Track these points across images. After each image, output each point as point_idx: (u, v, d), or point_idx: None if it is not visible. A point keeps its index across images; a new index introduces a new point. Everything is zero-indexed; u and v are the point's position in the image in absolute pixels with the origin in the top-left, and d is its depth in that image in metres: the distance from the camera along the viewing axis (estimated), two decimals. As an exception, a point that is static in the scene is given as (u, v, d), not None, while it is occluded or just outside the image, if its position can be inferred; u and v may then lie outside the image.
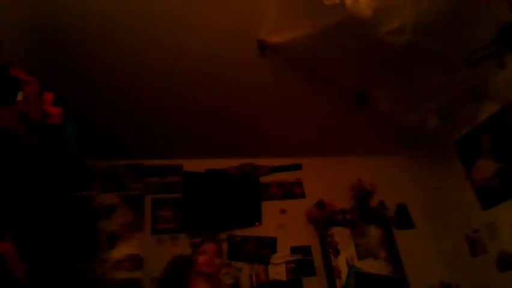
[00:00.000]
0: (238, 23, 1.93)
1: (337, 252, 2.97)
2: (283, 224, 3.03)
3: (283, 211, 3.10)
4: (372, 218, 3.13)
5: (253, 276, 2.79)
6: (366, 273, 2.87)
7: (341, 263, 2.94)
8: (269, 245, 2.94)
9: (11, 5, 1.70)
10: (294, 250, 2.94)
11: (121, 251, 2.79)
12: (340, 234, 3.04)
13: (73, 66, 2.08)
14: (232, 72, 2.26)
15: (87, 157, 2.75)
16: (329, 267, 2.90)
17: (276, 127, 2.86)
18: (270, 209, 3.09)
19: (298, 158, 3.31)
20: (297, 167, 3.32)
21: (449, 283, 2.82)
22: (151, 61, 2.12)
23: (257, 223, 3.03)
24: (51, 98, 1.67)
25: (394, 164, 3.39)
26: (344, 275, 2.87)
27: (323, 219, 3.04)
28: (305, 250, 2.95)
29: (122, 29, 1.90)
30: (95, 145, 2.65)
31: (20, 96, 1.49)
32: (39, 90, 1.60)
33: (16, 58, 1.66)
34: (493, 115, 2.44)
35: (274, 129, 2.88)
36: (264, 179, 3.22)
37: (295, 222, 3.05)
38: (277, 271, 2.83)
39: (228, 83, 2.35)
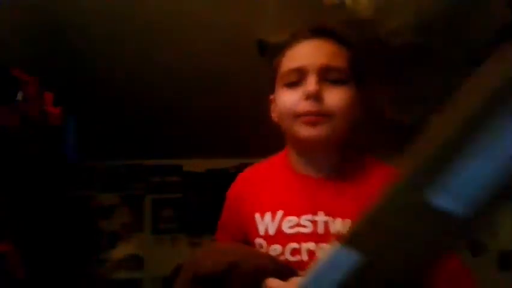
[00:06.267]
0: (238, 22, 1.93)
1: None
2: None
3: (283, 211, 3.09)
4: (372, 218, 3.13)
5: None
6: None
7: (341, 263, 2.93)
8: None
9: (11, 4, 1.70)
10: (294, 250, 2.94)
11: (121, 251, 2.79)
12: (340, 234, 3.04)
13: (73, 66, 2.08)
14: (232, 71, 2.26)
15: (87, 157, 2.75)
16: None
17: (277, 127, 2.85)
18: (270, 209, 3.09)
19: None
20: (297, 167, 3.32)
21: (449, 283, 2.82)
22: (151, 62, 2.12)
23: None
24: (51, 98, 1.67)
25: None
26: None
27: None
28: (305, 250, 2.95)
29: (123, 28, 1.90)
30: (96, 145, 2.65)
31: (20, 96, 1.49)
32: (39, 90, 1.60)
33: (16, 58, 1.66)
34: (493, 115, 2.43)
35: (274, 129, 2.87)
36: (264, 179, 3.21)
37: (295, 222, 3.04)
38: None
39: (228, 82, 2.35)
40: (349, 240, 0.44)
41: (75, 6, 1.76)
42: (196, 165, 3.11)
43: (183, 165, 3.17)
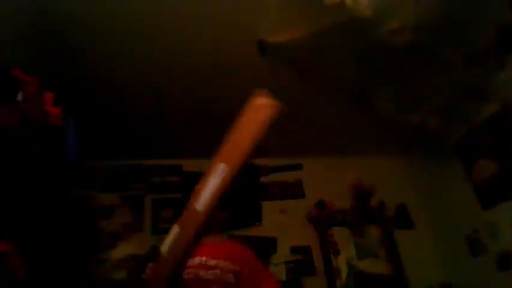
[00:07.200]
0: (238, 22, 1.93)
1: (337, 252, 2.97)
2: (283, 224, 3.03)
3: (283, 211, 3.10)
4: (372, 218, 3.13)
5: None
6: (366, 273, 2.87)
7: (340, 263, 2.93)
8: (269, 245, 2.94)
9: (11, 4, 1.70)
10: (293, 250, 2.94)
11: (121, 251, 2.79)
12: (340, 234, 3.04)
13: (74, 66, 2.08)
14: (232, 72, 2.27)
15: (87, 157, 2.75)
16: (329, 267, 2.89)
17: (276, 127, 2.85)
18: (269, 209, 3.09)
19: (298, 158, 3.31)
20: (298, 167, 3.32)
21: (449, 283, 2.82)
22: (151, 62, 2.13)
23: (257, 223, 3.03)
24: (51, 98, 1.66)
25: (394, 164, 3.39)
26: (344, 275, 2.87)
27: (323, 219, 3.04)
28: (305, 250, 2.95)
29: (123, 28, 1.90)
30: (95, 145, 2.65)
31: (20, 96, 1.49)
32: (39, 90, 1.60)
33: (16, 58, 1.66)
34: (493, 115, 2.43)
35: (274, 129, 2.87)
36: (264, 179, 3.22)
37: (295, 223, 3.04)
38: (277, 271, 2.83)
39: (228, 83, 2.35)
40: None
41: (75, 6, 1.76)
42: (196, 165, 3.10)
43: (183, 165, 3.18)
